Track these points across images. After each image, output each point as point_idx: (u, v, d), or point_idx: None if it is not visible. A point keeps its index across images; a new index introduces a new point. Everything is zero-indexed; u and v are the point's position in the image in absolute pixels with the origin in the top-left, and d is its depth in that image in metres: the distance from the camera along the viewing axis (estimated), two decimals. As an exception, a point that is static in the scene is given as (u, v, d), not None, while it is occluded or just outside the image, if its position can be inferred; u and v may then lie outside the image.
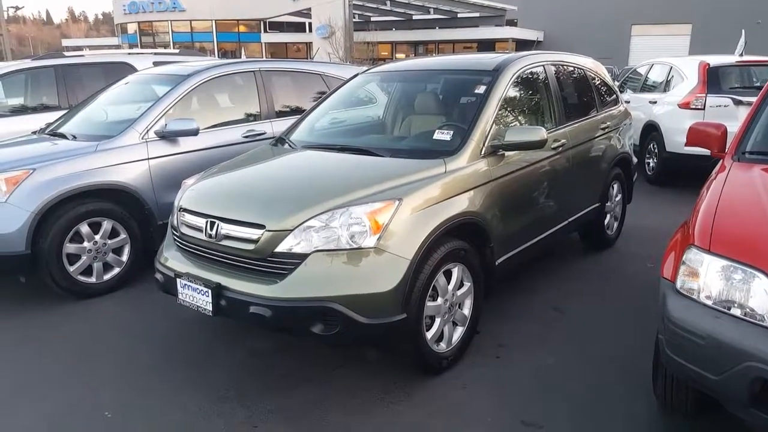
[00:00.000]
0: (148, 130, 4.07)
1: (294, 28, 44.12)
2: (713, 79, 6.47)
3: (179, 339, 3.21)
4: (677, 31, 31.83)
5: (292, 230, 2.47)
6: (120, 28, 48.57)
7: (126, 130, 4.03)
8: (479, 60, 3.88)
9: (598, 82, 4.53)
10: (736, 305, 1.85)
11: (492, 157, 3.05)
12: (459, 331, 2.87)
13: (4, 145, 4.22)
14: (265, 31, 44.79)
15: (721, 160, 2.76)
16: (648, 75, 8.12)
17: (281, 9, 35.80)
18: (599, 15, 33.22)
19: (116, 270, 3.90)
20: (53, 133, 4.37)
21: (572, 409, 2.53)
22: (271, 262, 2.50)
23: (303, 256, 2.45)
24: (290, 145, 3.52)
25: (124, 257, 3.93)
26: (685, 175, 6.77)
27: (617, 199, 4.63)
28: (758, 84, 6.65)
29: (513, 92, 3.42)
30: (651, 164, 7.20)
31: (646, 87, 7.98)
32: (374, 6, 34.20)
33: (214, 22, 43.91)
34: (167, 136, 4.11)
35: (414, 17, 38.95)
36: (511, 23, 37.50)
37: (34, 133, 4.57)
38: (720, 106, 6.29)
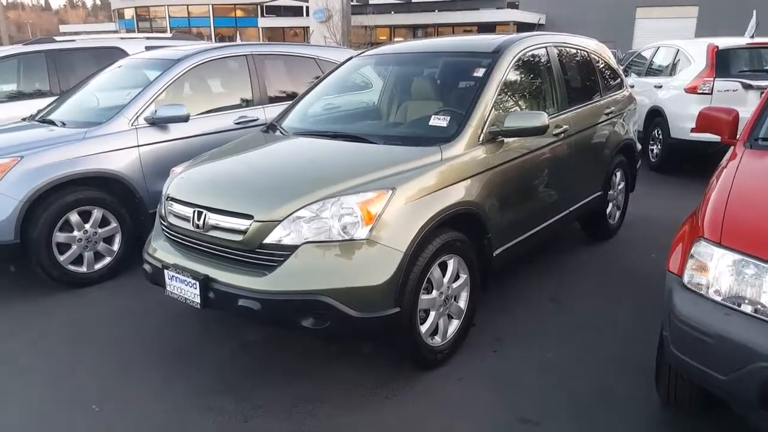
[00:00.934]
0: (137, 117, 3.99)
1: (291, 13, 43.64)
2: (722, 62, 6.22)
3: (171, 330, 3.15)
4: (683, 13, 31.21)
5: (281, 221, 2.38)
6: (117, 13, 48.21)
7: (115, 116, 3.95)
8: (479, 41, 3.73)
9: (602, 65, 4.39)
10: (747, 301, 1.76)
11: (490, 144, 2.94)
12: (455, 325, 2.79)
13: (-8, 132, 4.13)
14: (262, 15, 44.36)
15: (732, 147, 2.64)
16: (653, 58, 7.91)
17: (278, -8, 35.47)
18: (602, -3, 32.71)
19: (107, 259, 3.84)
20: (43, 120, 4.31)
21: (571, 405, 2.45)
22: (259, 254, 2.42)
23: (293, 248, 2.36)
24: (282, 132, 3.42)
25: (115, 246, 3.87)
26: (690, 162, 6.65)
27: (620, 187, 4.52)
28: (770, 67, 6.40)
29: (513, 75, 3.29)
30: (655, 151, 7.05)
31: (651, 71, 7.79)
32: (372, -11, 33.76)
33: (211, 6, 43.53)
34: (157, 123, 4.03)
35: (413, 0, 38.42)
36: (512, 5, 37.02)
37: (23, 119, 4.50)
38: (728, 90, 6.06)
